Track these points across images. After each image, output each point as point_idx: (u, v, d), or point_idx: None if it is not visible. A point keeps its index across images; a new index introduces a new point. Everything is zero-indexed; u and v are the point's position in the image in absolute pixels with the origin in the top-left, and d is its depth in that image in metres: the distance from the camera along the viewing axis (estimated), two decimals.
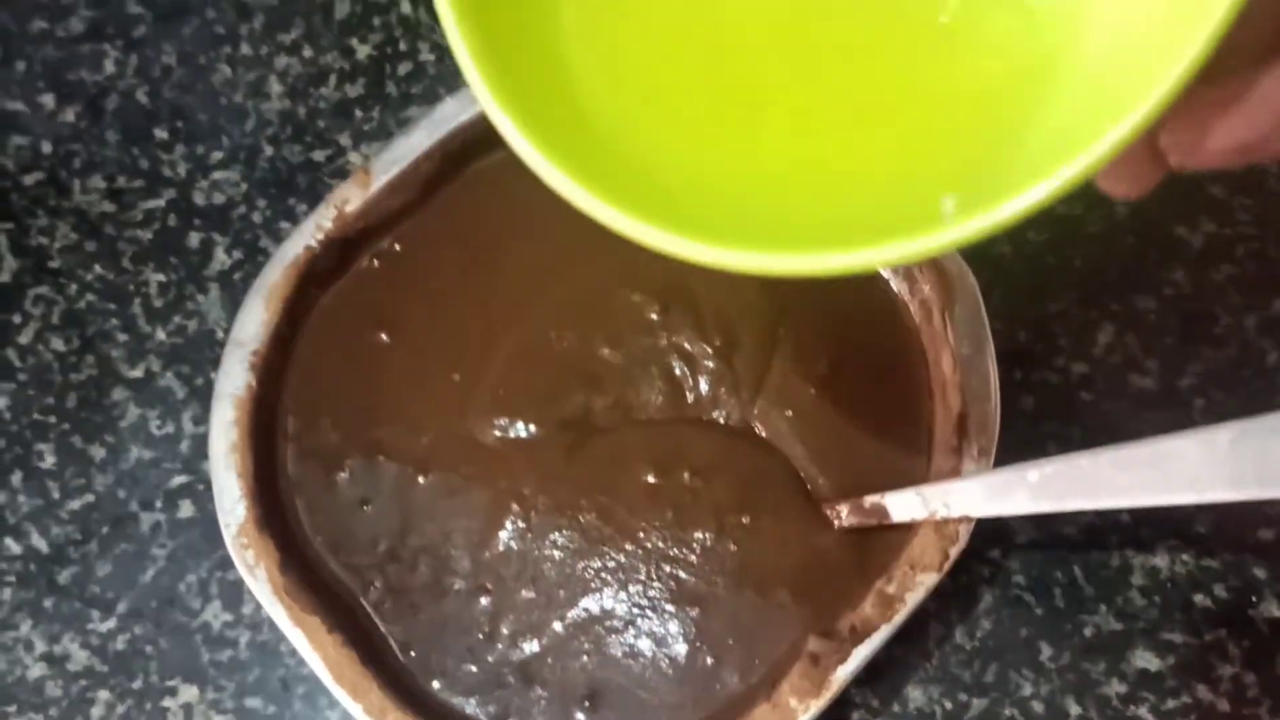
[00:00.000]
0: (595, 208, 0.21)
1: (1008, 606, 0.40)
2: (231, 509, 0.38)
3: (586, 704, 0.36)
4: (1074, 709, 0.39)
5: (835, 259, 0.19)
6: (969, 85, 0.23)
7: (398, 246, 0.42)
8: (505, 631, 0.38)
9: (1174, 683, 0.39)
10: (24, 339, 0.46)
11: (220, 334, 0.46)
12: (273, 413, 0.40)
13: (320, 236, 0.41)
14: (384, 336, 0.41)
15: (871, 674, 0.39)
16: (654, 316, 0.40)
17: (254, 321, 0.40)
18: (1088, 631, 0.39)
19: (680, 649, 0.37)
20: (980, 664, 0.39)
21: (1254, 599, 0.39)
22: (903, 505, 0.36)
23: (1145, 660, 0.39)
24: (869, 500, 0.36)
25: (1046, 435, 0.41)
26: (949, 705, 0.39)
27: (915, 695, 0.39)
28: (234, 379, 0.39)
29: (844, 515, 0.37)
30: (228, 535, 0.38)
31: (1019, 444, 0.40)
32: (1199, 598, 0.39)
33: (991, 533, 0.40)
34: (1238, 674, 0.38)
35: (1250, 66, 0.20)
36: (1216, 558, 0.40)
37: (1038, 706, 0.39)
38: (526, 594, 0.38)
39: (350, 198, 0.41)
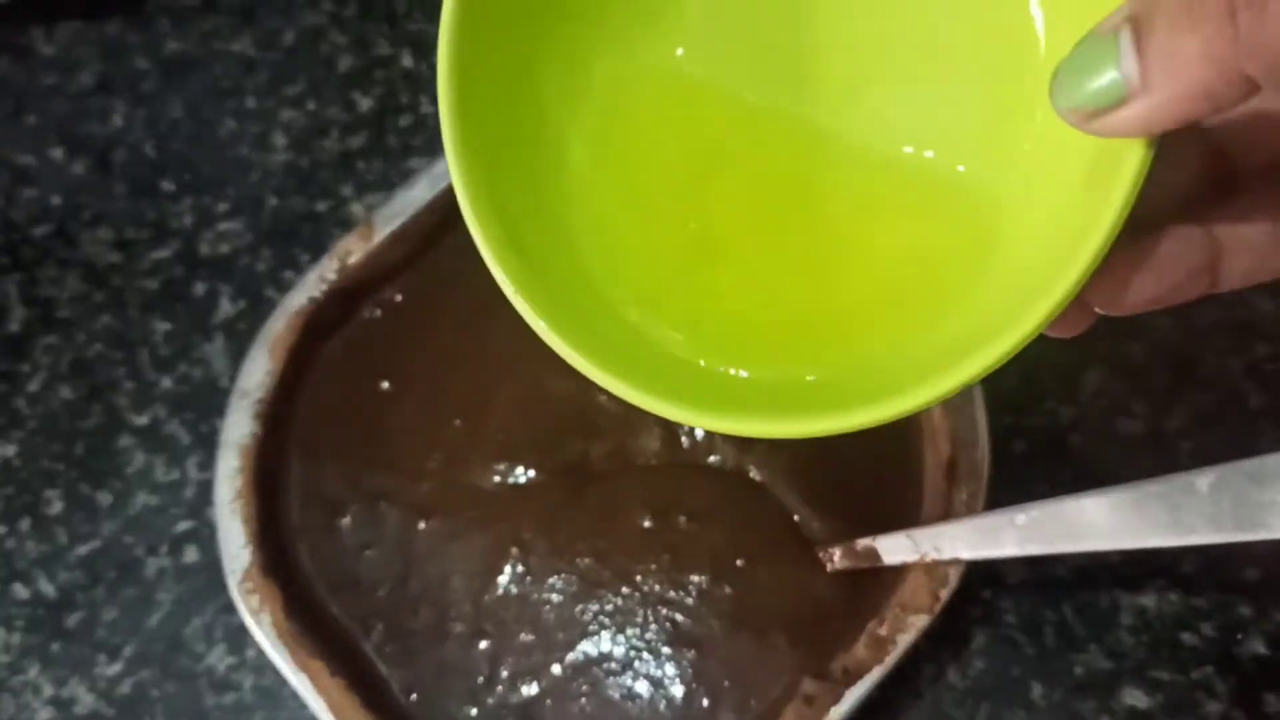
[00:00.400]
0: (589, 370, 0.24)
1: (999, 646, 0.41)
2: (236, 554, 0.39)
3: None
4: None
5: (786, 426, 0.22)
6: (909, 265, 0.25)
7: (399, 297, 0.43)
8: (505, 674, 0.39)
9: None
10: (33, 387, 0.47)
11: (225, 381, 0.47)
12: (277, 459, 0.41)
13: (324, 288, 0.42)
14: (386, 385, 0.42)
15: (865, 714, 0.40)
16: None
17: (259, 370, 0.41)
18: (1078, 670, 0.40)
19: (677, 690, 0.37)
20: (973, 703, 0.40)
21: (1239, 636, 0.40)
22: (894, 548, 0.36)
23: (1134, 698, 0.40)
24: (861, 543, 0.37)
25: (1037, 477, 0.42)
26: None
27: None
28: (239, 427, 0.40)
29: (836, 558, 0.38)
30: (232, 581, 0.39)
31: (1010, 486, 0.41)
32: (1186, 636, 0.40)
33: (983, 573, 0.41)
34: (1225, 711, 0.39)
35: (1161, 223, 0.23)
36: (1203, 596, 0.40)
37: None
38: (526, 637, 0.39)
39: (353, 250, 0.42)
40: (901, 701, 0.40)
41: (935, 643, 0.41)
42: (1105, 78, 0.19)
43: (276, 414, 0.41)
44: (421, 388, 0.42)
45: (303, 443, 0.41)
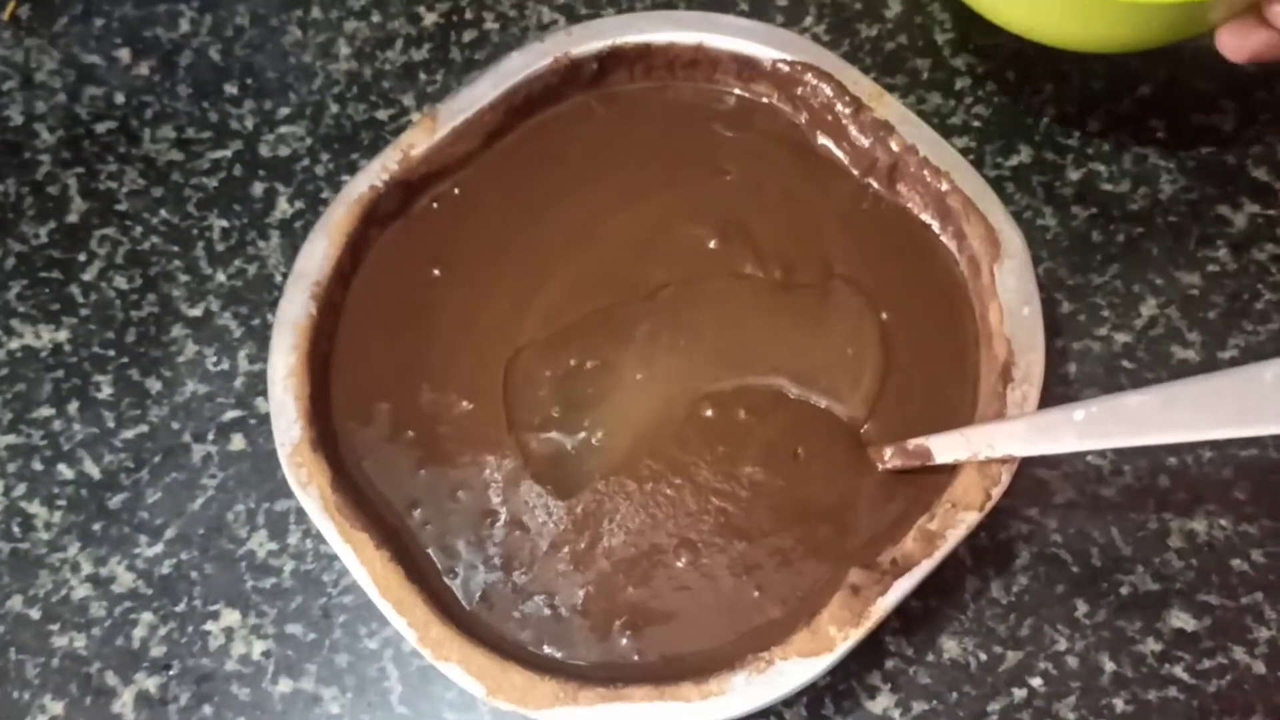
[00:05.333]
0: None
1: (1044, 564, 0.40)
2: (287, 429, 0.39)
3: (628, 632, 0.37)
4: (1108, 665, 0.39)
5: None
6: None
7: (457, 191, 0.44)
8: (547, 561, 0.38)
9: (1210, 644, 0.39)
10: (88, 276, 0.48)
11: (279, 278, 0.47)
12: (330, 341, 0.41)
13: (385, 177, 0.42)
14: (437, 272, 0.42)
15: (906, 624, 0.40)
16: (713, 245, 0.41)
17: (317, 254, 0.41)
18: (1124, 591, 0.40)
19: (725, 580, 0.37)
20: (1015, 618, 0.40)
21: None
22: (946, 446, 0.36)
23: (1181, 620, 0.39)
24: (913, 443, 0.37)
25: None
26: (983, 657, 0.39)
27: (949, 646, 0.39)
28: (296, 307, 0.40)
29: (887, 457, 0.38)
30: (283, 454, 0.39)
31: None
32: (1236, 562, 0.40)
33: (1030, 492, 0.41)
34: (1274, 637, 0.39)
35: None
36: (1254, 524, 0.40)
37: (1072, 661, 0.39)
38: (570, 525, 0.39)
39: (416, 142, 0.43)
40: (943, 614, 0.40)
41: (979, 559, 0.40)
42: None
43: (332, 298, 0.41)
44: (473, 274, 0.42)
45: (355, 326, 0.42)
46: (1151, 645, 0.39)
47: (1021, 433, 0.35)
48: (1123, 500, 0.41)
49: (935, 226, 0.41)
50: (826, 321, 0.40)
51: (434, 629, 0.36)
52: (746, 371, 0.39)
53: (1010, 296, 0.38)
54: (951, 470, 0.37)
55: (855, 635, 0.35)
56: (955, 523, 0.35)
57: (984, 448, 0.35)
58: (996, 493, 0.36)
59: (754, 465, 0.38)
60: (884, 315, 0.40)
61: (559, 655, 0.36)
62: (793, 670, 0.35)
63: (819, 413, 0.39)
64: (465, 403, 0.40)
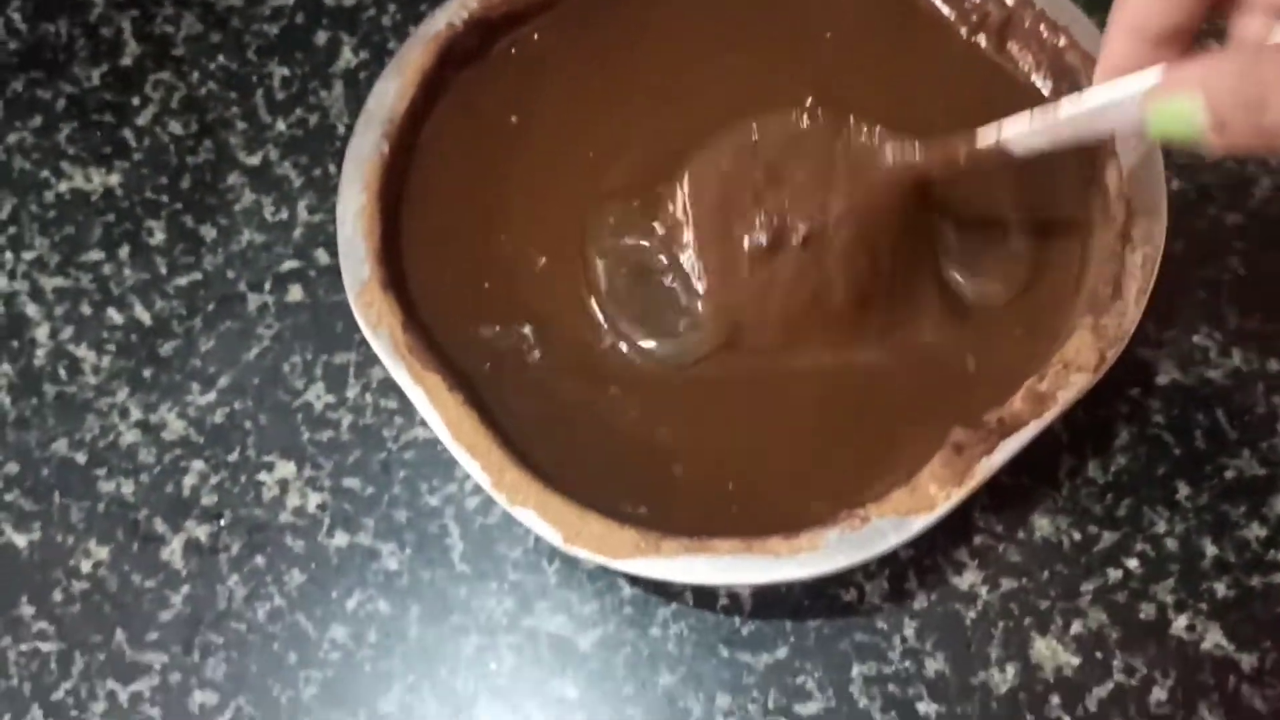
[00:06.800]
0: None
1: (1145, 445, 0.38)
2: (357, 269, 0.37)
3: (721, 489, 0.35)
4: (1210, 549, 0.37)
5: None
6: None
7: (537, 36, 0.41)
8: (617, 417, 0.37)
9: None
10: (142, 120, 0.46)
11: (342, 129, 0.45)
12: (401, 183, 0.39)
13: (464, 15, 0.40)
14: (514, 119, 0.40)
15: (997, 501, 0.38)
16: (805, 105, 0.39)
17: (390, 93, 0.39)
18: (1229, 474, 0.38)
19: (823, 436, 0.36)
20: (1113, 498, 0.38)
21: None
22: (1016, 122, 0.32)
23: None
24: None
25: (1196, 281, 0.40)
26: (1077, 536, 0.37)
27: (1042, 524, 0.38)
28: (367, 145, 0.38)
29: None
30: (352, 295, 0.37)
31: (1167, 287, 0.39)
32: None
33: (1132, 371, 0.39)
34: None
35: None
36: None
37: (1171, 544, 0.37)
38: (652, 382, 0.37)
39: None
40: (1036, 492, 0.38)
41: (1076, 437, 0.39)
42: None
43: (404, 138, 0.39)
44: (551, 125, 0.40)
45: (428, 170, 0.40)
46: (1256, 531, 0.37)
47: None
48: (1230, 383, 0.39)
49: (1046, 89, 0.39)
50: None
51: (509, 474, 0.34)
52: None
53: (1130, 156, 0.36)
54: (1064, 330, 0.34)
55: (957, 495, 0.33)
56: (1066, 384, 0.34)
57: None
58: (1112, 355, 0.34)
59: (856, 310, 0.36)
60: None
61: (643, 510, 0.34)
62: (888, 529, 0.33)
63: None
64: (542, 257, 0.38)
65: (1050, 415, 0.33)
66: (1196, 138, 0.24)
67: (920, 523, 0.33)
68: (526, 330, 0.38)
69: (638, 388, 0.37)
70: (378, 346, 0.36)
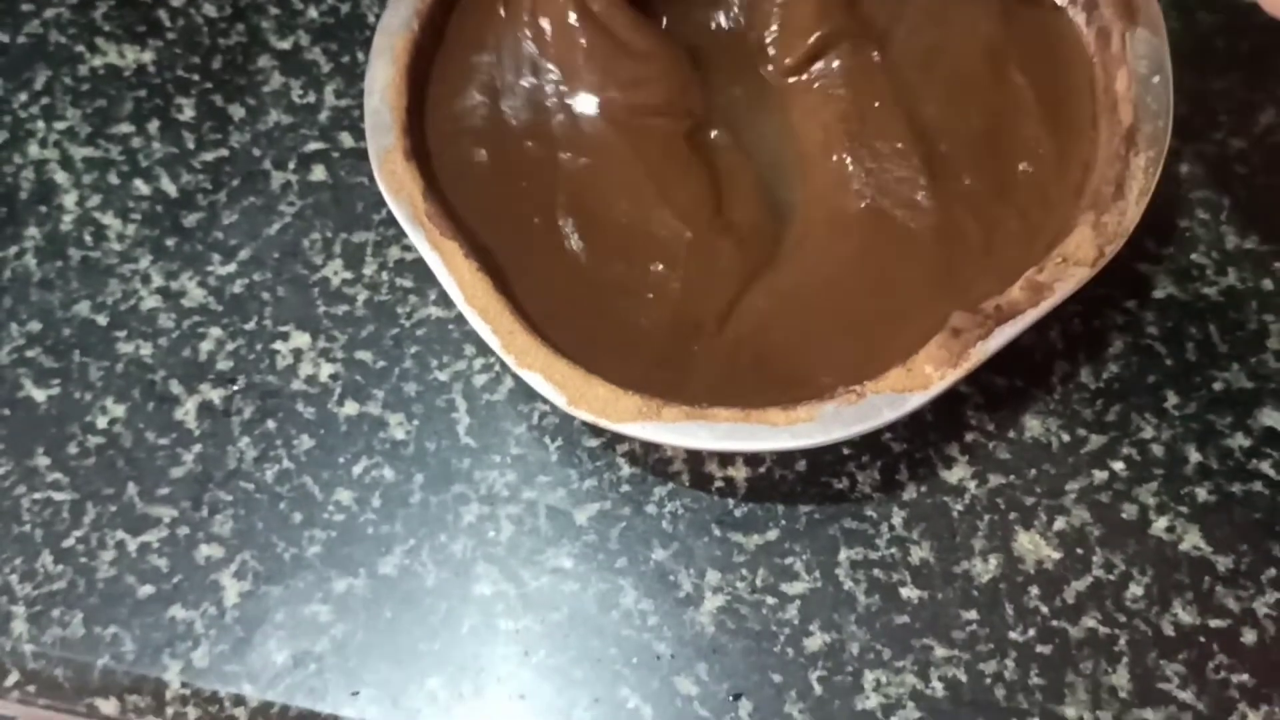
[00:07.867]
0: None
1: (1137, 354, 0.39)
2: (382, 137, 0.38)
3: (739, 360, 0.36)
4: (1194, 456, 0.38)
5: None
6: None
7: None
8: (633, 299, 0.38)
9: None
10: (176, 1, 0.47)
11: (371, 19, 0.46)
12: (429, 62, 0.40)
13: None
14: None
15: (990, 401, 0.39)
16: None
17: None
18: (1217, 386, 0.39)
19: (829, 315, 0.37)
20: (1103, 404, 0.39)
21: None
22: None
23: (1273, 419, 0.38)
24: None
25: (1196, 202, 0.41)
26: (1066, 438, 0.38)
27: (1033, 425, 0.39)
28: (399, 19, 0.39)
29: None
30: (375, 162, 0.38)
31: (1167, 205, 0.40)
32: None
33: (1129, 284, 0.40)
34: None
35: None
36: None
37: (1157, 450, 0.38)
38: (658, 267, 0.38)
39: None
40: (1029, 394, 0.39)
41: (1070, 343, 0.40)
42: None
43: (434, 19, 0.40)
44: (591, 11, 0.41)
45: (455, 55, 0.40)
46: (1240, 440, 0.38)
47: None
48: (1224, 300, 0.40)
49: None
50: None
51: (519, 338, 0.35)
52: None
53: (1141, 64, 0.37)
54: (1066, 228, 0.35)
55: (951, 376, 0.34)
56: (1065, 276, 0.34)
57: None
58: (1110, 250, 0.35)
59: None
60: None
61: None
62: (883, 405, 0.34)
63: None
64: (563, 154, 0.39)
65: (1047, 305, 0.34)
66: None
67: (915, 400, 0.34)
68: (544, 217, 0.39)
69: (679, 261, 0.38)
70: (398, 212, 0.37)
